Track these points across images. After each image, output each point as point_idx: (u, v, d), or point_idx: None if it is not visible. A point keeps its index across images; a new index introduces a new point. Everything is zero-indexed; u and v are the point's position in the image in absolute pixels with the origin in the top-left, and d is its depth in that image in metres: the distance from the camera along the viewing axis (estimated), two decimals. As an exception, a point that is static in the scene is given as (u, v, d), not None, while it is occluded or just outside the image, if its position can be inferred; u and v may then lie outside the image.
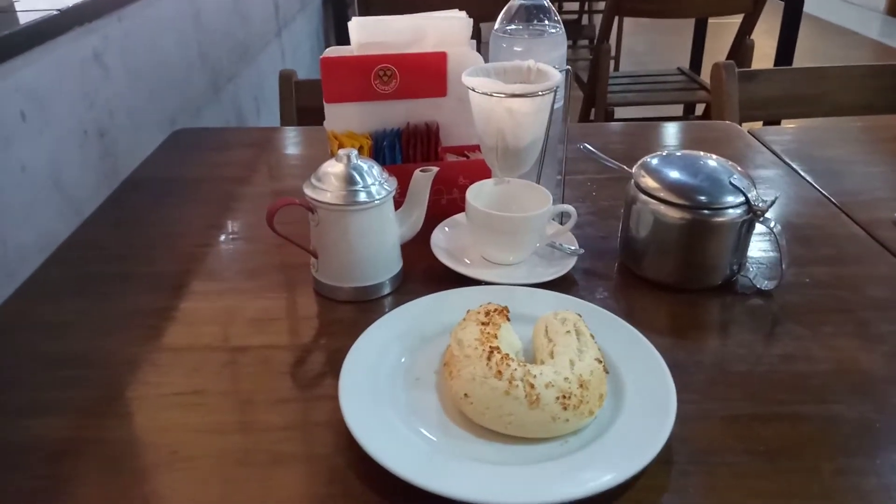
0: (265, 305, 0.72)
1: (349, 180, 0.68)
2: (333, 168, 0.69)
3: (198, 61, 1.42)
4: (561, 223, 0.80)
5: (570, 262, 0.75)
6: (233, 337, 0.68)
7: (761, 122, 1.61)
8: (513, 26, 0.83)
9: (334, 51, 0.86)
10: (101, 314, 0.71)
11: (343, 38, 2.93)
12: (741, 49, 2.42)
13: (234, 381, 0.62)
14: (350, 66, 0.84)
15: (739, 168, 0.74)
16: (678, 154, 0.77)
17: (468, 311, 0.61)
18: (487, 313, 0.59)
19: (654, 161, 0.76)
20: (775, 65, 2.84)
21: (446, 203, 0.88)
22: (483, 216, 0.72)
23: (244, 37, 1.75)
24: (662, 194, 0.72)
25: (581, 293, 0.73)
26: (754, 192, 0.71)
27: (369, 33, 0.84)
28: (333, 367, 0.60)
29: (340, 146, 0.83)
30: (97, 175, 1.08)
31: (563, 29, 0.83)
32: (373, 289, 0.72)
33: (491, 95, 0.65)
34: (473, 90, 0.67)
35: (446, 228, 0.81)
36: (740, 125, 1.49)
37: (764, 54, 2.75)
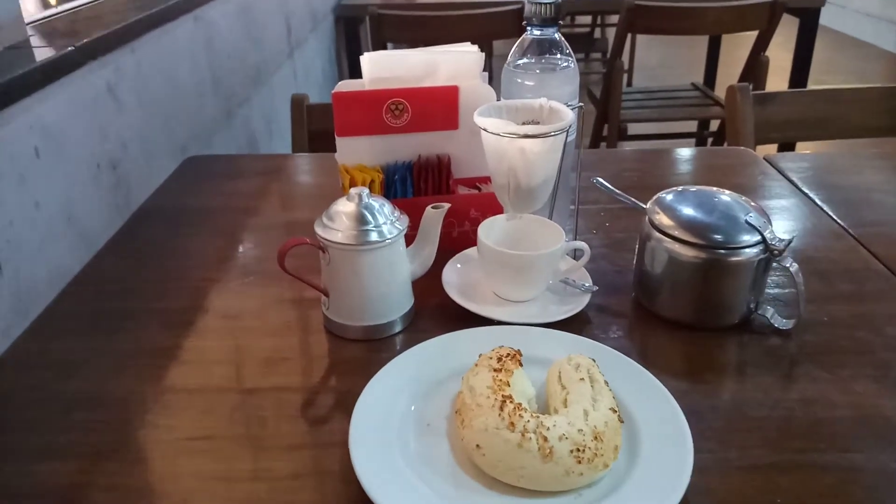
0: (276, 344, 0.72)
1: (360, 219, 0.68)
2: (345, 207, 0.69)
3: (210, 87, 1.43)
4: (574, 258, 0.79)
5: (584, 300, 0.74)
6: (244, 378, 0.67)
7: (776, 145, 1.60)
8: (525, 60, 0.83)
9: (346, 85, 0.86)
10: (112, 353, 0.71)
11: (355, 55, 2.94)
12: (756, 66, 2.41)
13: (245, 425, 0.61)
14: (362, 101, 0.84)
15: (755, 204, 0.73)
16: (693, 190, 0.76)
17: (480, 356, 0.61)
18: (500, 359, 0.58)
19: (669, 197, 0.75)
20: (791, 80, 2.83)
21: (457, 236, 0.87)
22: (495, 254, 0.72)
23: (256, 60, 1.76)
24: (677, 233, 0.71)
25: (594, 332, 0.72)
26: (771, 231, 0.70)
27: (381, 68, 0.84)
28: (344, 410, 0.60)
29: (352, 181, 0.83)
30: (109, 207, 1.09)
31: (575, 63, 0.82)
32: (384, 327, 0.72)
33: (503, 136, 0.65)
34: (485, 130, 0.67)
35: (458, 265, 0.80)
36: (755, 148, 1.48)
37: (778, 66, 2.73)
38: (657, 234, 0.73)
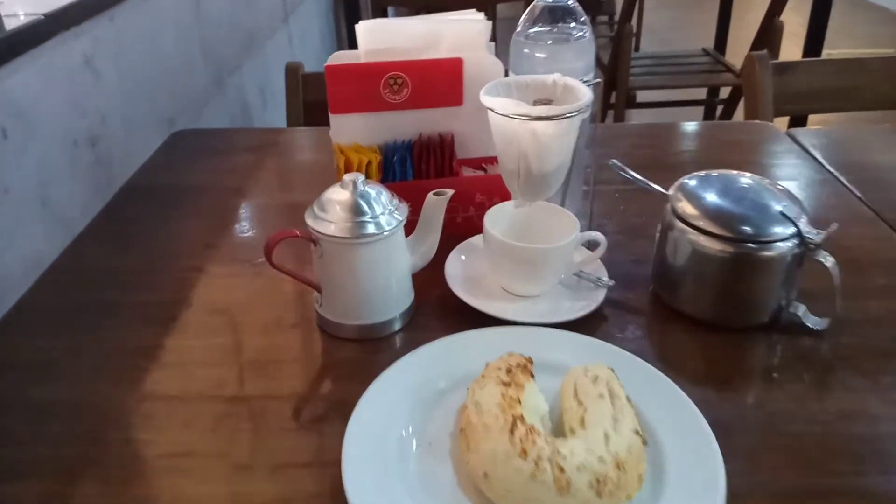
0: (265, 344, 0.66)
1: (355, 210, 0.62)
2: (338, 195, 0.63)
3: (199, 55, 1.35)
4: (588, 248, 0.73)
5: (599, 296, 0.68)
6: (228, 383, 0.62)
7: (788, 118, 1.52)
8: (536, 29, 0.76)
9: (340, 56, 0.79)
10: (89, 352, 0.66)
11: (354, 20, 2.83)
12: (770, 31, 2.31)
13: (228, 440, 0.56)
14: (357, 75, 0.77)
15: (788, 191, 0.67)
16: (719, 174, 0.70)
17: (487, 366, 0.55)
18: (509, 370, 0.53)
19: (693, 183, 0.69)
20: (805, 46, 2.73)
21: (462, 222, 0.81)
22: (502, 246, 0.66)
23: (249, 24, 1.67)
24: (702, 223, 0.64)
25: (610, 331, 0.66)
26: (805, 222, 0.63)
27: (378, 38, 0.76)
28: (337, 423, 0.54)
29: (347, 162, 0.77)
30: (88, 187, 1.02)
31: (592, 32, 0.75)
32: (381, 326, 0.66)
33: (513, 118, 0.58)
34: (493, 111, 0.60)
35: (462, 256, 0.74)
36: (773, 121, 1.41)
37: (791, 32, 2.62)
38: (680, 225, 0.66)
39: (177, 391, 0.61)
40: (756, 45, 2.37)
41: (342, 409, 0.56)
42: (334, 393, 0.61)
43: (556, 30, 0.75)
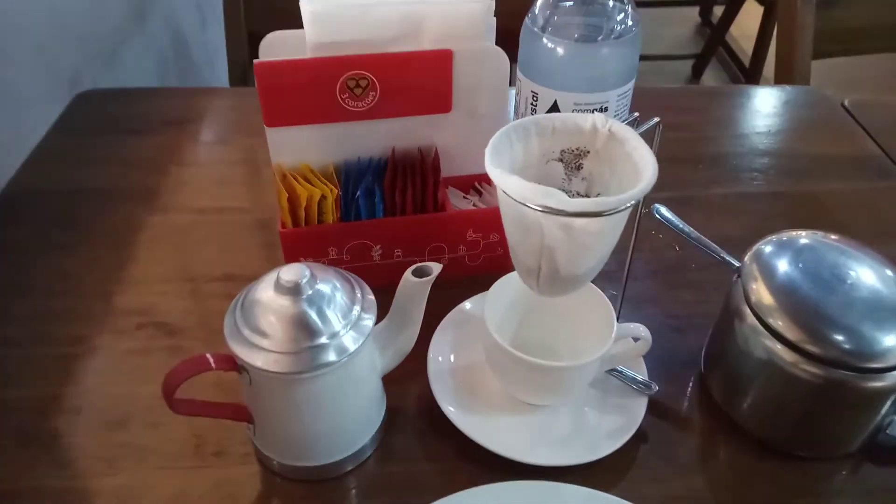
0: (174, 486, 0.47)
1: (303, 328, 0.42)
2: (274, 302, 0.42)
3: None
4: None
5: (639, 408, 0.50)
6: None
7: (808, 60, 1.30)
8: (557, 17, 0.53)
9: (277, 42, 0.56)
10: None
11: None
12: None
13: None
14: (302, 75, 0.54)
15: (905, 275, 0.48)
16: (814, 243, 0.50)
17: None
18: None
19: (778, 262, 0.49)
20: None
21: (448, 264, 0.61)
22: (510, 358, 0.46)
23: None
24: (790, 333, 0.46)
25: (654, 459, 0.49)
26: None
27: (332, 27, 0.53)
28: None
29: (290, 200, 0.56)
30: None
31: (639, 19, 0.53)
32: (339, 465, 0.48)
33: (541, 211, 0.37)
34: (510, 196, 0.39)
35: (448, 338, 0.55)
36: (811, 65, 1.19)
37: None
38: (753, 321, 0.48)
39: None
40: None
41: None
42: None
43: (586, 14, 0.53)
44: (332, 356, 0.42)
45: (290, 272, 0.42)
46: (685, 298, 0.62)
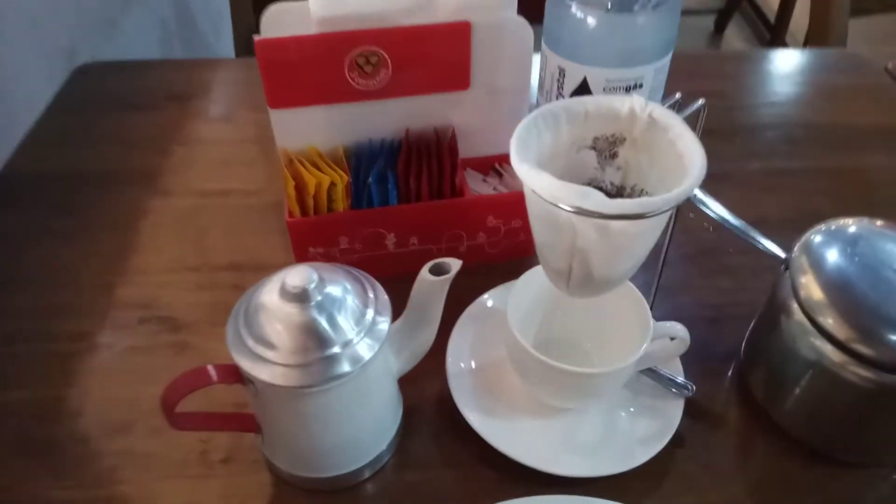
0: (183, 495, 0.45)
1: (313, 336, 0.38)
2: (280, 310, 0.39)
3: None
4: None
5: (675, 412, 0.47)
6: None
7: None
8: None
9: (278, 16, 0.51)
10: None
11: None
12: None
13: None
14: (307, 52, 0.49)
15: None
16: (870, 231, 0.46)
17: None
18: None
19: (830, 254, 0.45)
20: None
21: (466, 251, 0.58)
22: (534, 363, 0.43)
23: None
24: (838, 331, 0.42)
25: (691, 466, 0.46)
26: None
27: (338, 1, 0.48)
28: None
29: (298, 188, 0.52)
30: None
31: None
32: (354, 474, 0.45)
33: (575, 213, 0.33)
34: (540, 196, 0.35)
35: (468, 336, 0.51)
36: (847, 23, 1.13)
37: None
38: (801, 317, 0.44)
39: None
40: None
41: None
42: None
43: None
44: (345, 367, 0.38)
45: (297, 276, 0.39)
46: (721, 286, 0.58)
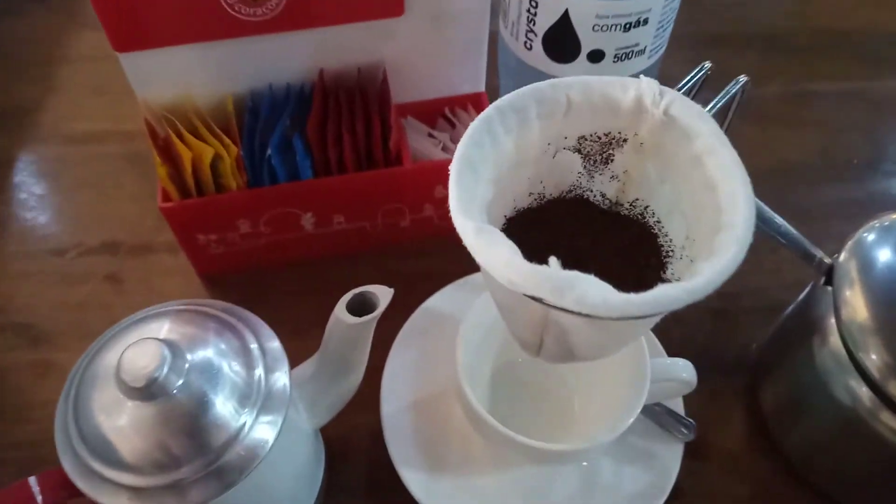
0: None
1: (181, 442, 0.26)
2: (127, 412, 0.26)
3: None
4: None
5: (673, 460, 0.36)
6: None
7: None
8: None
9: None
10: None
11: None
12: None
13: None
14: (158, -28, 0.33)
15: None
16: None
17: None
18: None
19: (883, 251, 0.33)
20: None
21: (410, 225, 0.45)
22: (493, 433, 0.31)
23: None
24: (882, 374, 0.31)
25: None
26: None
27: None
28: None
29: (173, 159, 0.38)
30: None
31: None
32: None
33: (554, 307, 0.20)
34: (494, 278, 0.22)
35: (410, 354, 0.39)
36: None
37: None
38: (840, 351, 0.33)
39: None
40: None
41: None
42: None
43: None
44: (238, 467, 0.27)
45: (137, 359, 0.26)
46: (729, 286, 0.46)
